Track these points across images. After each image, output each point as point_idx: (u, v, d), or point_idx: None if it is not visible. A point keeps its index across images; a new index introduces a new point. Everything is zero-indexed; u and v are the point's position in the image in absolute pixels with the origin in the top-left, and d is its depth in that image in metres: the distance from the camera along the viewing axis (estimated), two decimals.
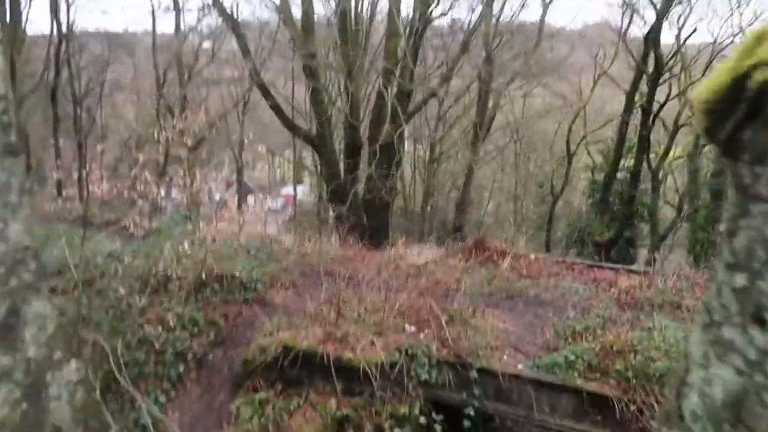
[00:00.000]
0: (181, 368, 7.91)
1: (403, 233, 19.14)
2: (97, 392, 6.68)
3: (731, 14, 36.74)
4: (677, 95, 25.75)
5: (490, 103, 23.71)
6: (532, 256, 12.11)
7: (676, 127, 26.22)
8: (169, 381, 7.76)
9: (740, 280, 0.42)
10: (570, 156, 27.15)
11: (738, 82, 0.40)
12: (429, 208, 24.85)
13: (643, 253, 20.78)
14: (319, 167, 21.82)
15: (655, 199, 24.33)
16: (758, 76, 0.38)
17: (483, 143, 25.00)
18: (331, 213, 16.84)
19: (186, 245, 8.89)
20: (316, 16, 18.77)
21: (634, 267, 12.58)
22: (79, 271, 7.64)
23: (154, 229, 10.52)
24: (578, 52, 30.63)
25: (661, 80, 23.26)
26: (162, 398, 7.57)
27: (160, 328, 7.98)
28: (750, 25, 37.20)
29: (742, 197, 0.44)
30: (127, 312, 8.18)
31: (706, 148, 27.26)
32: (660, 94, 24.39)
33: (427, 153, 27.06)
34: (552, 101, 30.72)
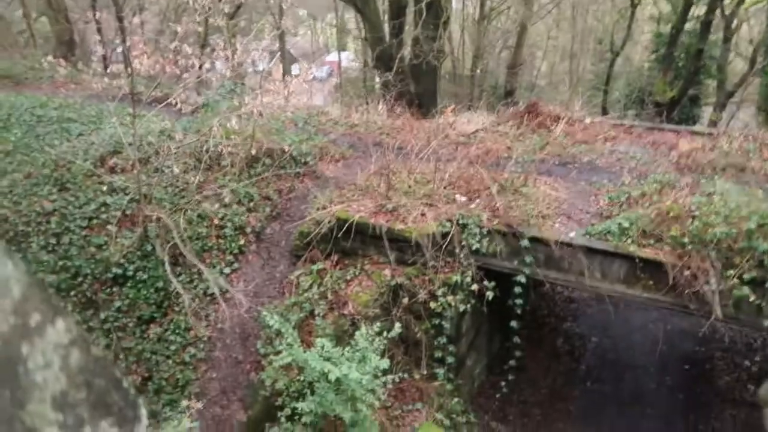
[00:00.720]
0: (241, 242, 8.32)
1: (451, 99, 18.51)
2: (167, 267, 7.15)
3: None
4: None
5: None
6: (588, 120, 11.55)
7: None
8: (231, 254, 8.21)
9: None
10: (634, 6, 24.75)
11: None
12: (479, 71, 23.70)
13: (708, 113, 19.47)
14: (363, 31, 20.82)
15: (725, 50, 22.26)
16: None
17: None
18: (377, 80, 16.30)
19: (233, 121, 8.90)
20: None
21: (697, 128, 11.89)
22: (134, 149, 7.84)
23: (201, 105, 10.54)
24: None
25: None
26: (226, 270, 8.06)
27: (217, 204, 8.27)
28: None
29: None
30: (184, 189, 8.46)
31: None
32: None
33: (477, 10, 25.24)
34: None
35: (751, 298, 6.15)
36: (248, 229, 8.47)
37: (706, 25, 20.49)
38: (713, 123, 16.89)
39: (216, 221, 8.25)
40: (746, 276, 6.17)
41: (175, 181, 8.59)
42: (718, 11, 21.34)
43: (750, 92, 23.05)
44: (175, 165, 8.72)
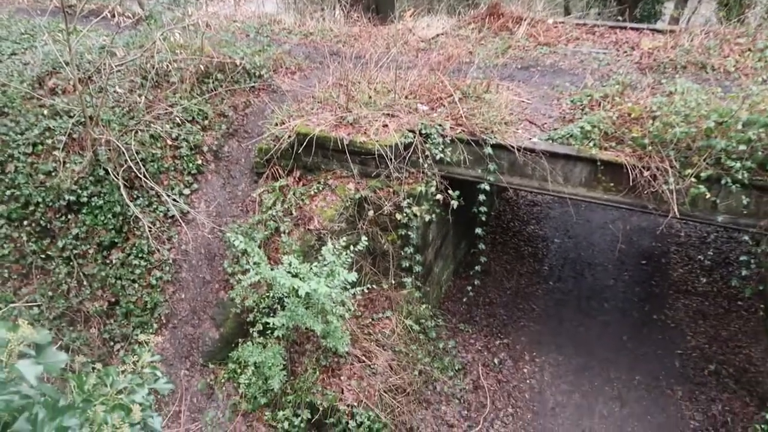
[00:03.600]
0: (199, 161, 8.03)
1: (410, 2, 17.71)
2: (122, 191, 6.89)
3: None
4: None
5: None
6: (550, 21, 11.24)
7: None
8: (189, 174, 7.94)
9: None
10: None
11: None
12: None
13: (670, 9, 19.15)
14: None
15: None
16: None
17: None
18: None
19: (177, 33, 8.33)
20: None
21: (659, 26, 11.71)
22: (72, 68, 7.29)
23: (142, 18, 9.80)
24: None
25: None
26: (185, 191, 7.82)
27: (169, 124, 7.89)
28: None
29: None
30: (132, 109, 8.02)
31: None
32: None
33: None
34: None
35: (707, 196, 6.32)
36: (205, 148, 8.17)
37: None
38: (675, 20, 16.69)
39: (170, 141, 7.91)
40: (703, 174, 6.30)
41: (121, 101, 8.11)
42: None
43: None
44: (119, 84, 8.20)
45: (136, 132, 7.73)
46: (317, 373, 6.70)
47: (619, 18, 12.76)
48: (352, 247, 6.35)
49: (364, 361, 6.88)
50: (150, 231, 7.16)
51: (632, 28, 10.82)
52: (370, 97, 8.02)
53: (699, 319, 9.07)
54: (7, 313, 6.58)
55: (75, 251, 7.59)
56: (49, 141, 7.88)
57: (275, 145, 7.60)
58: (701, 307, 9.28)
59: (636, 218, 11.17)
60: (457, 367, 8.16)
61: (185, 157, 7.96)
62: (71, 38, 7.14)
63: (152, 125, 7.78)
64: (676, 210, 6.46)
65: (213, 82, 8.70)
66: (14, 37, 9.94)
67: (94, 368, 2.68)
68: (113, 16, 7.52)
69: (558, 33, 10.75)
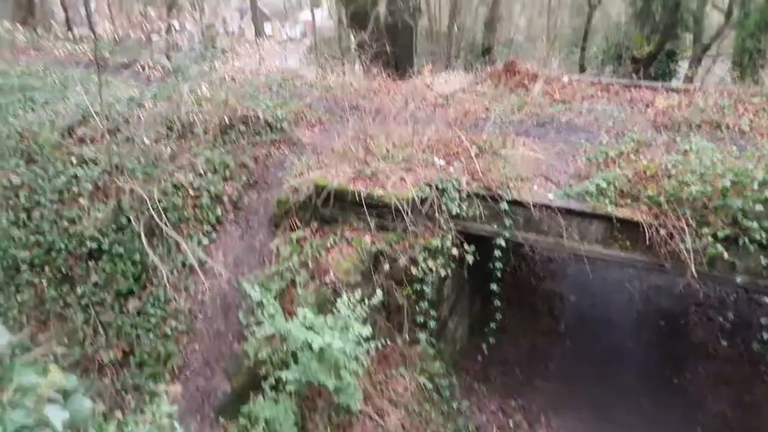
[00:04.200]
0: (219, 211, 8.18)
1: (429, 58, 18.18)
2: (143, 239, 7.01)
3: None
4: None
5: None
6: (566, 79, 11.47)
7: None
8: (209, 224, 8.08)
9: None
10: None
11: None
12: (456, 28, 23.24)
13: (685, 68, 19.42)
14: None
15: (702, 3, 22.14)
16: None
17: None
18: (352, 40, 15.94)
19: (204, 86, 8.64)
20: None
21: (673, 84, 11.88)
22: (102, 118, 7.58)
23: (170, 71, 10.20)
24: None
25: None
26: (204, 240, 7.94)
27: (191, 174, 8.09)
28: None
29: None
30: (157, 159, 8.25)
31: None
32: None
33: None
34: None
35: (725, 256, 6.26)
36: (225, 198, 8.33)
37: None
38: (689, 78, 16.91)
39: (192, 191, 8.09)
40: (720, 234, 6.26)
41: (146, 150, 8.36)
42: None
43: (725, 46, 23.05)
44: (145, 134, 8.48)
45: (160, 181, 7.93)
46: (329, 431, 6.59)
47: (634, 76, 12.97)
48: (366, 301, 6.35)
49: (376, 420, 6.76)
50: (168, 280, 7.23)
51: (647, 87, 10.98)
52: (387, 151, 8.16)
53: (721, 383, 8.81)
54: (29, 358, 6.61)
55: (93, 298, 7.68)
56: (75, 188, 8.10)
57: (294, 197, 7.73)
58: (723, 371, 9.02)
59: (654, 277, 11.03)
60: (470, 430, 7.96)
61: (206, 207, 8.11)
62: (102, 89, 7.45)
63: (175, 175, 7.98)
64: (693, 270, 6.39)
65: (236, 134, 8.95)
66: (48, 88, 10.38)
67: (105, 417, 2.69)
68: (143, 68, 7.86)
69: (573, 90, 10.93)
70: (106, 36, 7.76)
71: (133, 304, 7.60)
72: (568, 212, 7.12)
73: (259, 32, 27.70)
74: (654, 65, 19.13)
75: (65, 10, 17.62)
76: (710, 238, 6.30)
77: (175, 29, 8.58)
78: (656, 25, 20.78)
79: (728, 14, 22.30)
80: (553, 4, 24.17)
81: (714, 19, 25.33)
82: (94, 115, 8.38)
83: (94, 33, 7.75)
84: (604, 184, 7.09)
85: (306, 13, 43.29)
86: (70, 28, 19.34)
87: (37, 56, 11.76)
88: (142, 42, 8.11)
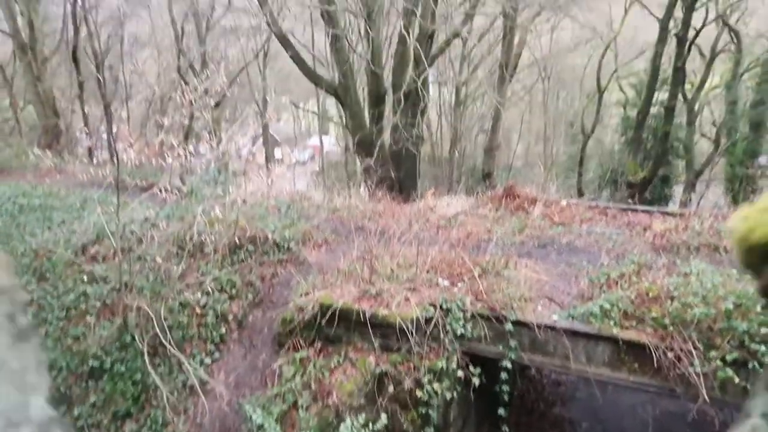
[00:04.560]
0: (223, 330, 8.19)
1: (432, 182, 18.99)
2: (146, 358, 6.97)
3: None
4: (714, 19, 24.37)
5: (516, 40, 22.88)
6: (564, 202, 11.92)
7: (713, 55, 24.99)
8: (213, 343, 8.05)
9: None
10: (601, 92, 26.20)
11: None
12: (457, 154, 24.52)
13: (679, 192, 20.18)
14: (344, 119, 21.59)
15: (690, 133, 23.43)
16: None
17: (510, 83, 24.30)
18: (358, 165, 16.74)
19: (217, 208, 9.00)
20: None
21: (669, 208, 12.30)
22: (116, 238, 7.84)
23: (186, 193, 10.67)
24: None
25: (697, 4, 21.92)
26: (207, 360, 7.88)
27: (199, 292, 8.21)
28: None
29: None
30: (166, 277, 8.41)
31: (745, 76, 26.03)
32: (696, 20, 23.07)
33: (453, 97, 26.47)
34: (581, 34, 29.43)
35: (736, 380, 6.15)
36: (230, 317, 8.37)
37: (669, 109, 21.68)
38: (684, 203, 17.48)
39: (198, 310, 8.15)
40: (729, 357, 6.20)
41: (156, 269, 8.55)
42: (680, 96, 22.70)
43: (717, 171, 24.06)
44: (157, 253, 8.71)
45: (167, 300, 8.03)
46: None
47: (630, 201, 13.45)
48: (371, 425, 6.17)
49: None
50: (167, 401, 7.08)
51: (643, 211, 11.37)
52: (392, 271, 8.32)
53: None
54: None
55: (89, 420, 7.46)
56: (83, 306, 8.19)
57: (299, 316, 7.77)
58: None
59: (666, 402, 10.64)
60: None
61: (210, 326, 8.13)
62: (119, 210, 7.79)
63: (183, 293, 8.10)
64: (705, 395, 6.25)
65: (244, 253, 9.19)
66: (66, 208, 10.82)
67: None
68: (160, 191, 8.27)
69: (572, 213, 11.31)
70: (126, 161, 8.25)
71: (129, 427, 7.36)
72: (574, 334, 7.10)
73: (269, 157, 29.15)
74: (649, 190, 19.86)
75: (89, 136, 18.78)
76: (719, 362, 6.23)
77: (190, 154, 9.10)
78: (648, 152, 21.86)
79: (716, 142, 23.53)
80: (548, 133, 25.63)
81: (704, 146, 26.70)
82: (109, 235, 8.67)
83: (116, 158, 8.24)
84: (607, 306, 7.14)
85: (314, 139, 45.76)
86: (92, 153, 20.47)
87: (61, 179, 12.38)
88: (160, 166, 8.58)
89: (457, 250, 8.79)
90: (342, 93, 18.50)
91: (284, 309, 8.28)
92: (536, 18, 23.64)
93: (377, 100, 18.11)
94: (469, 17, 20.59)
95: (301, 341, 7.82)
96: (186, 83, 12.57)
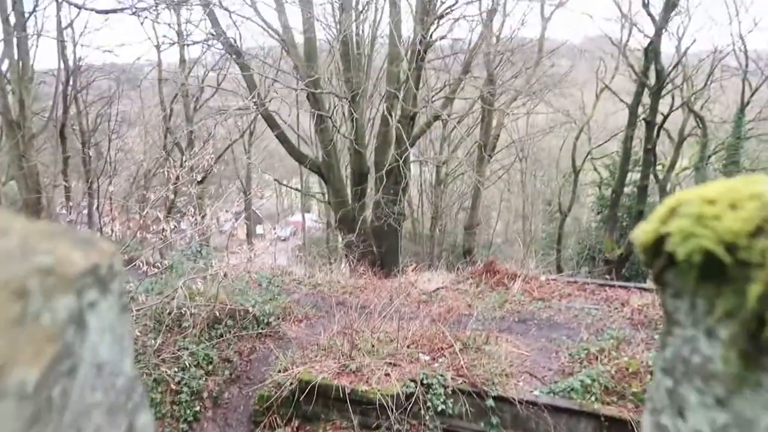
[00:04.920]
0: (198, 407, 7.94)
1: (413, 258, 19.15)
2: None
3: (730, 23, 37.22)
4: (680, 106, 25.81)
5: (494, 123, 23.89)
6: (543, 278, 12.09)
7: (681, 138, 26.23)
8: (186, 421, 7.78)
9: (669, 382, 0.56)
10: (576, 172, 27.13)
11: (658, 242, 0.54)
12: (438, 231, 24.87)
13: None
14: (326, 195, 21.97)
15: None
16: (670, 246, 0.52)
17: (488, 163, 25.12)
18: (340, 240, 16.91)
19: (198, 282, 8.97)
20: (318, 42, 19.08)
21: (646, 284, 12.53)
22: None
23: (166, 267, 10.63)
24: (579, 66, 30.84)
25: (663, 92, 23.30)
26: None
27: (175, 368, 8.02)
28: (749, 32, 37.48)
29: (667, 320, 0.58)
30: (142, 352, 8.23)
31: (713, 158, 27.25)
32: (663, 106, 24.41)
33: (434, 175, 27.20)
34: (555, 117, 30.86)
35: None
36: (205, 394, 8.14)
37: (642, 189, 22.46)
38: None
39: (173, 386, 7.93)
40: None
41: (134, 344, 8.37)
42: (652, 177, 23.60)
43: None
44: (135, 327, 8.56)
45: (142, 375, 7.82)
46: None
47: (607, 277, 13.66)
48: None
49: None
50: None
51: (620, 286, 11.56)
52: (373, 346, 8.26)
53: None
54: None
55: None
56: None
57: (276, 393, 7.60)
58: None
59: None
60: None
61: (184, 403, 7.88)
62: None
63: (159, 368, 7.90)
64: None
65: (223, 328, 9.07)
66: None
67: None
68: (142, 265, 8.26)
69: (551, 289, 11.46)
70: (109, 235, 8.27)
71: None
72: (555, 409, 7.04)
73: (251, 232, 29.19)
74: (626, 266, 20.19)
75: (70, 211, 18.75)
76: None
77: (172, 229, 9.17)
78: (624, 230, 22.39)
79: None
80: (527, 211, 26.24)
81: None
82: None
83: (100, 232, 8.29)
84: (588, 381, 7.14)
85: (297, 216, 46.11)
86: (74, 228, 20.34)
87: None
88: (142, 241, 8.61)
89: (438, 325, 8.79)
90: (325, 171, 18.96)
91: (261, 386, 8.10)
92: (513, 102, 24.81)
93: (360, 178, 18.55)
94: (449, 101, 21.59)
95: (278, 419, 7.60)
96: (172, 160, 12.83)
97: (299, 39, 18.29)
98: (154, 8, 18.57)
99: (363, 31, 19.63)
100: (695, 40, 41.60)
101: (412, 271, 12.61)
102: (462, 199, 28.63)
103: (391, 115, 17.44)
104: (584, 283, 11.94)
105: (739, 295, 0.53)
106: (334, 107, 22.80)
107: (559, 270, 19.09)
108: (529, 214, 27.53)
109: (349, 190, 19.10)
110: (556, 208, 28.05)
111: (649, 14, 21.64)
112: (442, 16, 18.37)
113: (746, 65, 26.40)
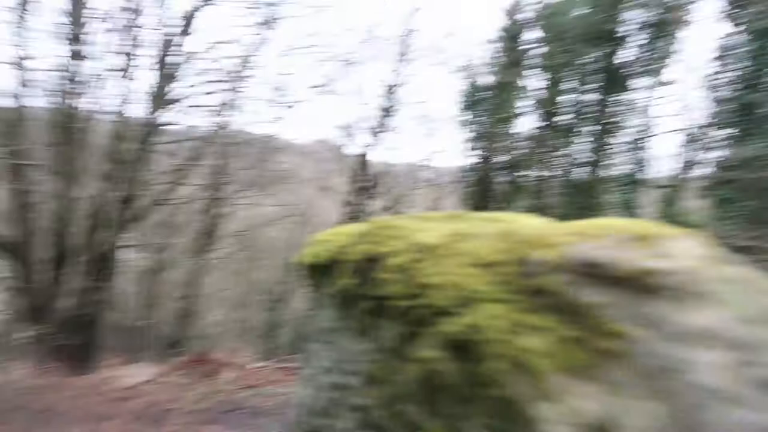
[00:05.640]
0: None
1: (118, 351, 17.44)
2: None
3: (424, 143, 45.54)
4: (384, 207, 29.91)
5: (219, 211, 24.04)
6: (256, 365, 12.33)
7: None
8: None
9: (311, 344, 1.14)
10: (293, 263, 28.72)
11: (305, 259, 1.04)
12: (149, 321, 23.21)
13: None
14: (15, 280, 18.83)
15: None
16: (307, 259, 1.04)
17: (209, 251, 24.88)
18: (28, 333, 14.59)
19: None
20: (26, 109, 17.06)
21: None
22: None
23: None
24: (306, 164, 33.43)
25: (373, 193, 26.70)
26: None
27: None
28: (439, 151, 46.11)
29: (313, 305, 1.16)
30: None
31: None
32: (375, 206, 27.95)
33: (150, 262, 25.65)
34: (279, 210, 32.44)
35: None
36: None
37: None
38: None
39: None
40: None
41: None
42: None
43: None
44: None
45: None
46: None
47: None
48: None
49: None
50: None
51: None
52: None
53: None
54: None
55: None
56: None
57: None
58: None
59: None
60: None
61: None
62: None
63: None
64: None
65: None
66: None
67: None
68: None
69: (262, 375, 11.75)
70: None
71: None
72: None
73: None
74: None
75: None
76: None
77: None
78: None
79: None
80: (245, 300, 26.40)
81: None
82: None
83: None
84: None
85: None
86: None
87: None
88: None
89: (138, 422, 8.22)
90: (20, 251, 16.48)
91: None
92: (240, 193, 25.43)
93: (62, 261, 16.59)
94: (175, 186, 21.13)
95: None
96: None
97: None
98: None
99: (82, 103, 18.33)
100: (402, 154, 49.44)
101: (114, 364, 11.58)
102: (179, 287, 27.45)
103: (106, 196, 16.34)
104: (295, 368, 12.53)
105: (333, 282, 1.06)
106: (40, 182, 20.30)
107: (275, 356, 19.52)
108: (248, 303, 27.74)
109: (46, 275, 16.83)
110: (275, 297, 28.91)
111: (369, 128, 25.08)
112: (173, 102, 18.33)
113: (437, 177, 32.32)
